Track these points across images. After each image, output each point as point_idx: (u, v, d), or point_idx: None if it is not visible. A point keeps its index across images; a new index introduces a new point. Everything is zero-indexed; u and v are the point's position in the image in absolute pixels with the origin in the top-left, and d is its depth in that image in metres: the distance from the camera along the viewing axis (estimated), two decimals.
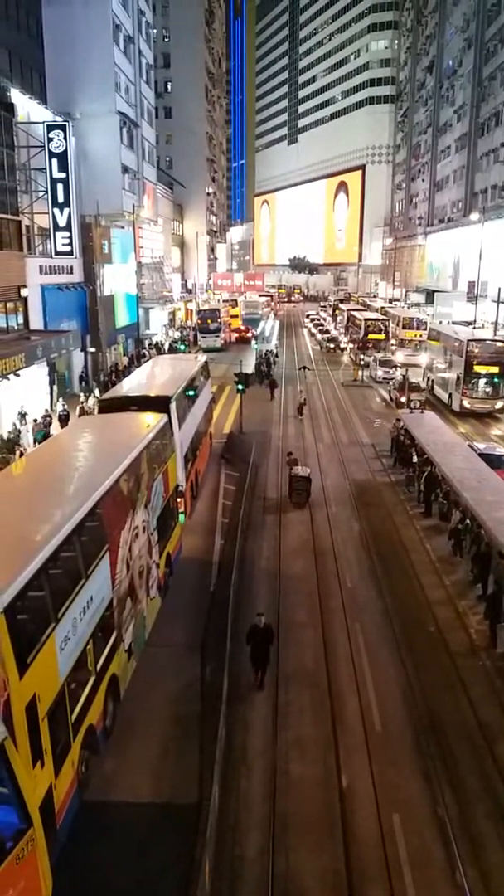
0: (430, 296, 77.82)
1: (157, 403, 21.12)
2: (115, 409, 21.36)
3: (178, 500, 20.12)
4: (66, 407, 31.91)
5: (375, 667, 15.24)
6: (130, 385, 26.11)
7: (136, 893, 9.73)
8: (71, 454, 15.78)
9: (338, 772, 12.18)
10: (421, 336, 57.32)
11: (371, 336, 58.32)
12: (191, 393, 24.91)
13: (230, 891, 9.96)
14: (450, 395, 39.68)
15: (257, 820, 11.14)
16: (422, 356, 55.45)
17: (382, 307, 74.22)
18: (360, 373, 51.16)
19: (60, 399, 34.33)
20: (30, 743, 9.02)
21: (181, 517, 20.44)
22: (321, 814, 11.37)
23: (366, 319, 60.39)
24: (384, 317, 63.02)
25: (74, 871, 9.74)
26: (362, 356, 53.67)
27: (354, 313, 67.61)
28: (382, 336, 58.22)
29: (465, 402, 37.48)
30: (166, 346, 59.46)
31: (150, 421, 17.97)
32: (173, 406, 21.32)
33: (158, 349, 56.70)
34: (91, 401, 33.08)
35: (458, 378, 37.95)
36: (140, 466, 15.28)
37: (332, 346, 66.11)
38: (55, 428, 29.78)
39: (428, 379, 44.82)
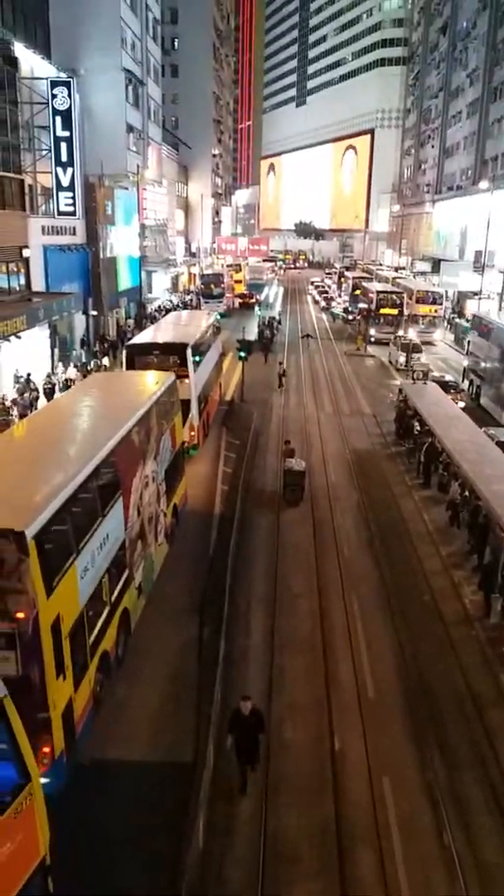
0: (436, 265, 76.98)
1: (176, 349, 24.74)
2: (140, 354, 24.96)
3: (192, 434, 23.92)
4: (51, 379, 30.50)
5: (370, 634, 15.44)
6: (153, 333, 29.78)
7: (131, 849, 9.98)
8: (88, 406, 17.14)
9: (331, 735, 12.43)
10: (436, 311, 53.54)
11: (384, 311, 52.17)
12: (204, 343, 27.93)
13: (223, 848, 10.22)
14: None
15: (251, 780, 11.38)
16: (436, 333, 52.99)
17: (394, 278, 69.80)
18: (363, 343, 50.78)
19: (48, 371, 32.58)
20: (54, 657, 10.13)
21: (193, 450, 24.13)
22: (313, 776, 11.62)
23: (378, 292, 54.48)
24: (399, 289, 56.89)
25: (71, 826, 9.97)
26: (372, 332, 50.96)
27: (365, 284, 63.72)
28: (396, 311, 51.94)
29: None
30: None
31: (159, 380, 19.05)
32: (189, 352, 24.66)
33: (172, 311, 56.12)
34: (72, 371, 32.55)
35: None
36: (150, 421, 16.37)
37: (349, 317, 61.70)
38: (41, 401, 28.30)
39: (471, 382, 35.89)
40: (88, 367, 34.45)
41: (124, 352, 26.00)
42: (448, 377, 35.46)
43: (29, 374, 29.86)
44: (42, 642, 9.82)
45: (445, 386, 31.90)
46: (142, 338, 28.54)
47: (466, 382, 36.45)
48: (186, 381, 23.92)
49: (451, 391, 32.08)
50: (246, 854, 10.17)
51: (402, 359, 41.76)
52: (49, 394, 29.21)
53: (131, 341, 28.37)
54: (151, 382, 18.83)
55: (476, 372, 35.57)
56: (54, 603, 10.19)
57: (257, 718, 11.18)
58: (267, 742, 11.72)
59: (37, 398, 28.57)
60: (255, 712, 11.19)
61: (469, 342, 38.59)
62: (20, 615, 9.64)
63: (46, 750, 10.11)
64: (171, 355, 24.56)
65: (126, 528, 13.96)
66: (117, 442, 13.76)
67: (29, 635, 9.70)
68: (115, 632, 13.16)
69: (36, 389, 29.57)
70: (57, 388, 29.98)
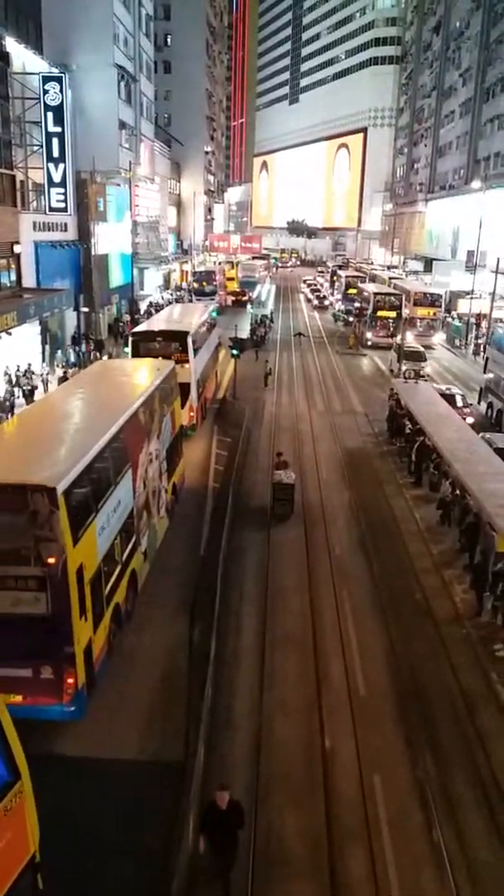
0: (428, 264, 77.15)
1: (178, 337, 26.61)
2: (145, 341, 26.84)
3: (191, 415, 25.86)
4: (30, 380, 29.69)
5: (361, 633, 15.44)
6: (156, 322, 32.32)
7: (121, 848, 9.95)
8: (99, 387, 18.73)
9: (321, 733, 12.42)
10: (435, 314, 52.06)
11: (381, 313, 50.26)
12: (203, 331, 30.02)
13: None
14: None
15: (241, 778, 11.36)
16: (435, 337, 51.52)
17: (391, 278, 67.80)
18: (355, 341, 50.83)
19: (30, 373, 31.03)
20: (78, 599, 11.44)
21: (191, 431, 25.88)
22: (304, 774, 11.60)
23: (375, 293, 52.24)
24: (396, 291, 54.45)
25: (61, 825, 9.93)
26: (369, 336, 49.68)
27: (360, 284, 62.91)
28: (394, 314, 49.88)
29: None
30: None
31: (160, 367, 20.45)
32: (190, 339, 26.47)
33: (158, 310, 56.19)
34: (59, 372, 32.23)
35: None
36: (153, 403, 17.82)
37: (351, 319, 58.74)
38: (21, 405, 27.50)
39: (490, 405, 31.88)
40: (75, 366, 34.26)
41: (130, 339, 28.04)
42: (455, 389, 31.97)
43: (30, 365, 29.85)
44: (69, 585, 11.16)
45: (450, 399, 28.55)
46: (146, 326, 30.72)
47: (484, 404, 32.62)
48: (187, 365, 25.86)
49: (458, 406, 28.65)
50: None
51: (404, 367, 38.66)
52: (29, 395, 28.32)
53: (136, 329, 30.46)
54: (153, 369, 20.30)
55: (497, 393, 31.14)
56: (78, 552, 11.51)
57: (236, 812, 9.54)
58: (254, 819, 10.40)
59: (12, 405, 27.56)
60: (234, 805, 9.55)
61: (487, 358, 33.81)
62: (51, 560, 10.97)
63: (70, 681, 11.43)
64: (174, 342, 26.38)
65: (134, 497, 15.38)
66: (127, 419, 15.25)
67: (58, 578, 11.04)
68: (125, 588, 14.53)
69: (18, 386, 29.27)
70: (38, 390, 29.36)
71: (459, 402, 29.69)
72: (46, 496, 10.88)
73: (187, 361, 26.08)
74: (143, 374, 19.89)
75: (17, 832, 7.41)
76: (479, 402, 33.23)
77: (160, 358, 23.61)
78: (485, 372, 34.22)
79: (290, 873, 9.97)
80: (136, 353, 26.36)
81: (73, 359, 35.89)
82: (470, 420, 27.53)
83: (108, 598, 13.30)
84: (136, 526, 15.54)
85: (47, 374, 32.20)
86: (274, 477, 21.61)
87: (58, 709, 11.50)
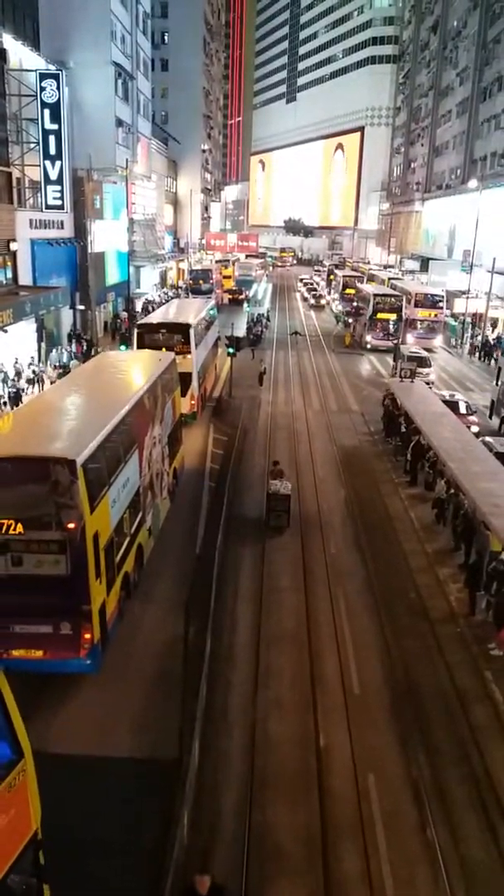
0: (424, 263, 77.24)
1: (181, 329, 27.86)
2: (149, 332, 27.86)
3: (192, 403, 27.19)
4: (15, 381, 29.24)
5: (356, 631, 15.48)
6: (160, 315, 33.75)
7: (115, 845, 9.96)
8: (108, 375, 19.96)
9: (316, 732, 12.45)
10: (436, 316, 50.59)
11: (381, 315, 48.74)
12: (204, 324, 31.25)
13: (207, 845, 10.21)
14: None
15: (236, 776, 11.39)
16: (437, 339, 50.58)
17: (390, 278, 66.42)
18: (350, 338, 50.88)
19: (12, 374, 30.35)
20: (94, 562, 12.41)
21: (191, 418, 27.13)
22: (298, 772, 11.63)
23: (375, 295, 50.38)
24: (397, 292, 52.63)
25: (55, 821, 9.93)
26: (368, 338, 48.60)
27: (359, 285, 62.45)
28: (395, 316, 48.55)
29: None
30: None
31: (162, 358, 21.48)
32: (192, 331, 27.77)
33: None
34: (51, 372, 32.30)
35: None
36: (156, 390, 18.86)
37: (350, 320, 57.98)
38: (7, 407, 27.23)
39: (502, 420, 30.25)
40: (68, 367, 34.12)
41: (134, 331, 29.19)
42: (458, 396, 30.75)
43: (33, 359, 30.00)
44: (86, 548, 12.14)
45: (454, 406, 27.55)
46: (150, 318, 32.02)
47: (497, 419, 30.73)
48: (189, 356, 27.13)
49: (462, 413, 27.49)
50: (230, 849, 10.17)
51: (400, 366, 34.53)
52: (14, 399, 27.76)
53: (141, 321, 31.99)
54: (155, 359, 21.34)
55: None
56: (94, 520, 12.49)
57: None
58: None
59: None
60: (216, 891, 8.45)
61: (500, 368, 31.34)
62: (70, 525, 11.94)
63: (87, 636, 12.35)
64: (176, 333, 27.60)
65: (140, 476, 16.39)
66: (133, 403, 16.32)
67: (77, 542, 12.02)
68: (133, 559, 15.58)
69: (17, 377, 29.18)
70: (31, 390, 29.05)
71: (463, 409, 28.47)
72: (67, 467, 11.86)
73: (189, 352, 27.27)
74: (145, 364, 20.78)
75: (21, 809, 7.59)
76: (490, 417, 31.30)
77: (163, 349, 24.50)
78: (496, 382, 31.17)
79: (284, 870, 10.00)
80: (141, 344, 27.23)
81: (65, 358, 35.72)
82: (475, 429, 26.27)
83: (119, 566, 14.30)
84: (142, 503, 16.54)
85: (41, 372, 32.18)
86: (270, 487, 20.37)
87: (75, 662, 12.44)
